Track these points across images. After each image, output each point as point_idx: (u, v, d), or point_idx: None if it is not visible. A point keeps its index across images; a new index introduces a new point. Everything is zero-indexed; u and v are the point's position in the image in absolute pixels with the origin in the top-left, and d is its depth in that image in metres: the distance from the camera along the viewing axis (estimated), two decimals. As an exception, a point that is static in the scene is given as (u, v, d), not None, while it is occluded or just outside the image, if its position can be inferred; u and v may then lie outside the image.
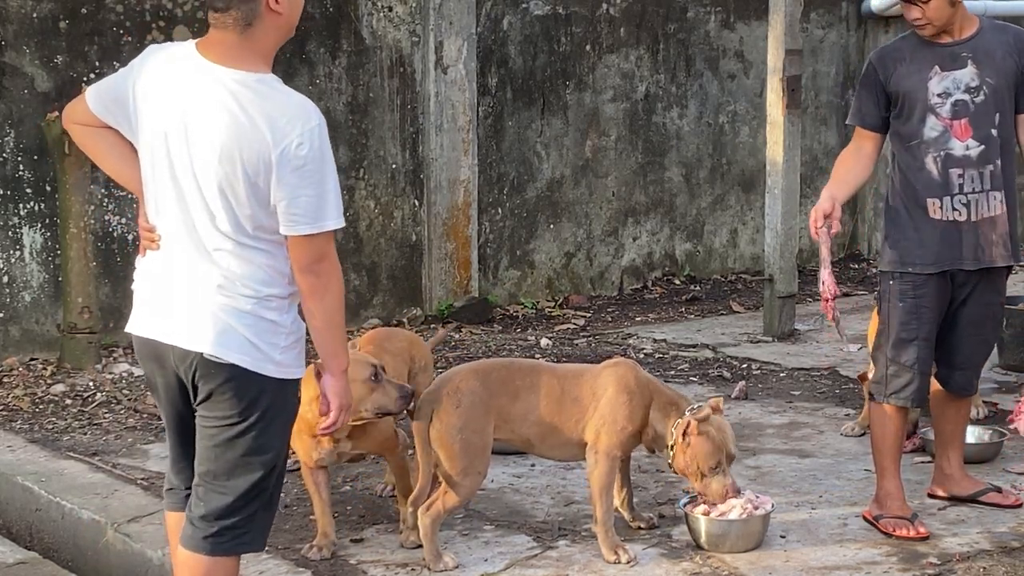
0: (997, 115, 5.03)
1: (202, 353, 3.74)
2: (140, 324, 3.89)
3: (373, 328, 8.41)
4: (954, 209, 5.02)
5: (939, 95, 4.99)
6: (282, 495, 5.47)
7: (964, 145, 5.00)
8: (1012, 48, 5.06)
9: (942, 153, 5.00)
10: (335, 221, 3.71)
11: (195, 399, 3.84)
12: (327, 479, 4.95)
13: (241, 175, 3.65)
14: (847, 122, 5.25)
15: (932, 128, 5.01)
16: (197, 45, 3.77)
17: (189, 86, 3.71)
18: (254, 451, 3.82)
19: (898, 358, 5.06)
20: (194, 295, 3.75)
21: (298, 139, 3.63)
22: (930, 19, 4.95)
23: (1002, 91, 5.03)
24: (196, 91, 3.69)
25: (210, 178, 3.68)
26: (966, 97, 5.00)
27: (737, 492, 4.86)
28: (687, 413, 4.78)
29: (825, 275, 5.06)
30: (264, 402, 3.79)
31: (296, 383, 3.89)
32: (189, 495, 3.97)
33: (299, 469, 5.60)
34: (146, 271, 3.89)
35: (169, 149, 3.73)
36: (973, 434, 5.89)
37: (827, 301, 5.06)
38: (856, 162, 5.17)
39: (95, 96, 3.89)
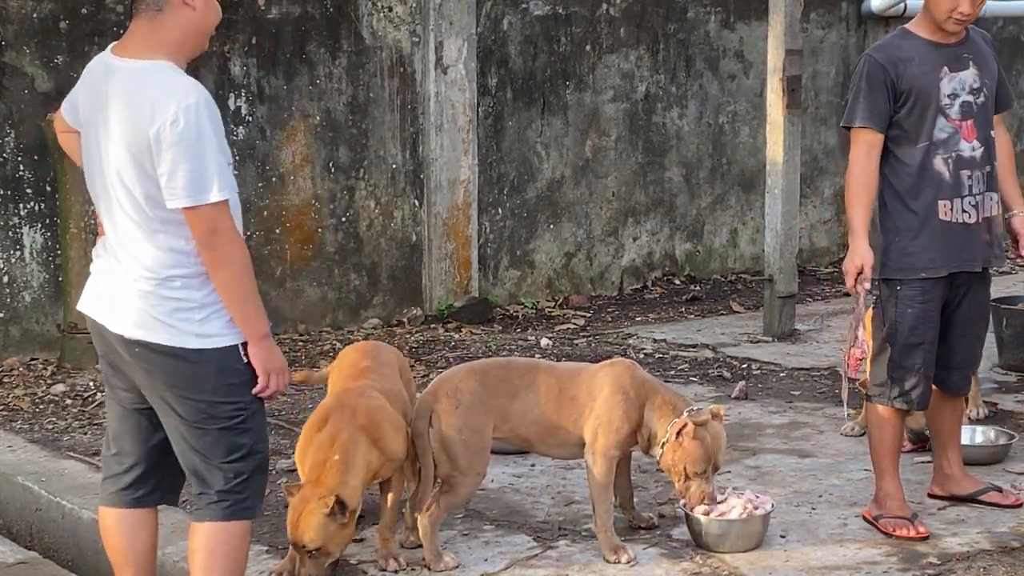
0: (993, 116, 5.08)
1: (123, 335, 3.94)
2: (85, 302, 4.12)
3: (372, 328, 8.47)
4: (963, 211, 5.00)
5: (949, 96, 4.98)
6: (282, 495, 5.48)
7: (971, 146, 4.99)
8: (994, 51, 5.14)
9: (952, 155, 4.98)
10: (216, 195, 3.83)
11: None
12: None
13: (130, 159, 3.85)
14: (857, 124, 4.99)
15: (942, 129, 4.98)
16: (112, 47, 4.04)
17: (100, 84, 3.97)
18: (222, 418, 3.97)
19: (905, 362, 5.03)
20: (113, 279, 3.99)
21: (172, 117, 3.79)
22: (975, 15, 4.93)
23: (994, 92, 5.07)
24: (104, 87, 3.95)
25: (113, 166, 3.90)
26: (971, 98, 5.00)
27: (713, 501, 4.87)
28: (685, 413, 4.78)
29: (863, 335, 4.99)
30: (206, 372, 3.93)
31: (235, 348, 3.97)
32: (125, 486, 4.17)
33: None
34: (93, 255, 4.12)
35: (92, 145, 3.99)
36: (982, 436, 5.89)
37: (859, 361, 5.01)
38: (871, 180, 4.99)
39: (64, 106, 4.19)
